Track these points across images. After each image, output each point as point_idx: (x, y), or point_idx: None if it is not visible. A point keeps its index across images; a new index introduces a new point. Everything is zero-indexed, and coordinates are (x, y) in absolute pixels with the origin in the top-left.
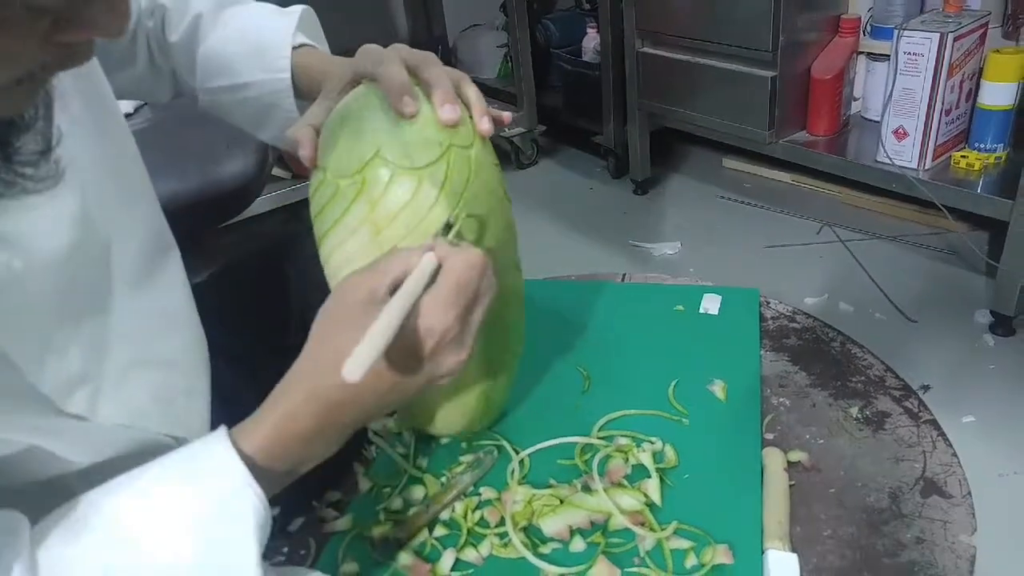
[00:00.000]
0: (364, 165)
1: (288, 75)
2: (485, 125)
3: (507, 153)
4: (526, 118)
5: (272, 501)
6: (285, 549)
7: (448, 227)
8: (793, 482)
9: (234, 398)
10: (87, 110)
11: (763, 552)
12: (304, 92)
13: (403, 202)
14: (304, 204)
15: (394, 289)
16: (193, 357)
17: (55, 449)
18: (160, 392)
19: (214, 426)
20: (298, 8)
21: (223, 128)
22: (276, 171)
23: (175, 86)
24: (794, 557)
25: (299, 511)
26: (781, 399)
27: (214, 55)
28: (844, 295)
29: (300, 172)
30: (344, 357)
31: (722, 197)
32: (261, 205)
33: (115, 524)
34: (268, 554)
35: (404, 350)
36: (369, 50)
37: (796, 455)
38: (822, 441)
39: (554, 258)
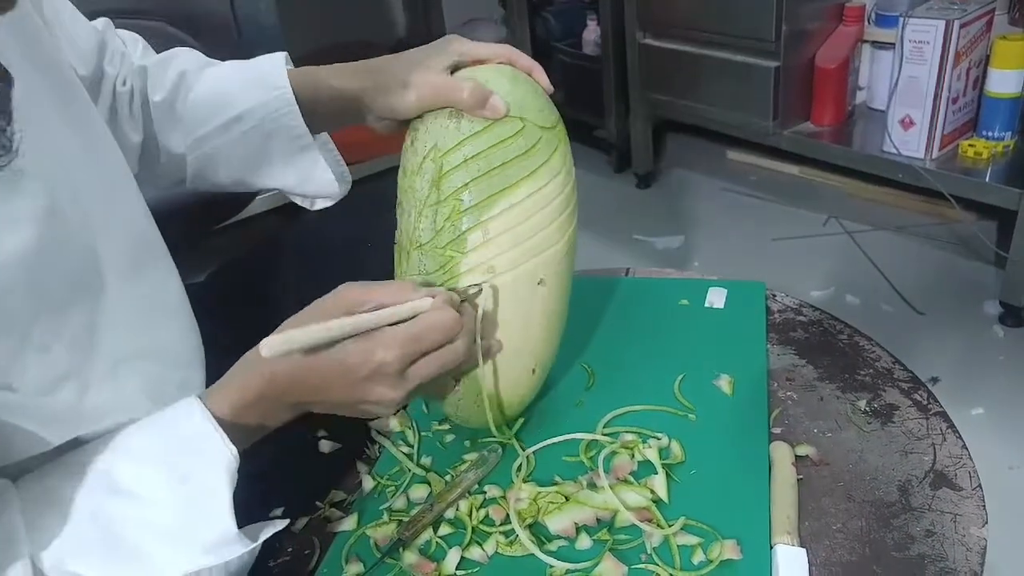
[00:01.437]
0: (554, 122)
1: (288, 89)
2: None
3: None
4: None
5: (277, 502)
6: (290, 549)
7: (471, 294)
8: (801, 476)
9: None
10: (53, 105)
11: (771, 547)
12: (308, 106)
13: (569, 165)
14: (358, 183)
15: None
16: (186, 348)
17: (40, 432)
18: (152, 385)
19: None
20: (280, 54)
21: None
22: None
23: (139, 161)
24: (803, 552)
25: (304, 511)
26: (788, 393)
27: (205, 97)
28: (851, 287)
29: None
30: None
31: (726, 190)
32: (259, 205)
33: (99, 472)
34: (273, 553)
35: (339, 359)
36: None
37: (804, 449)
38: (830, 435)
39: None
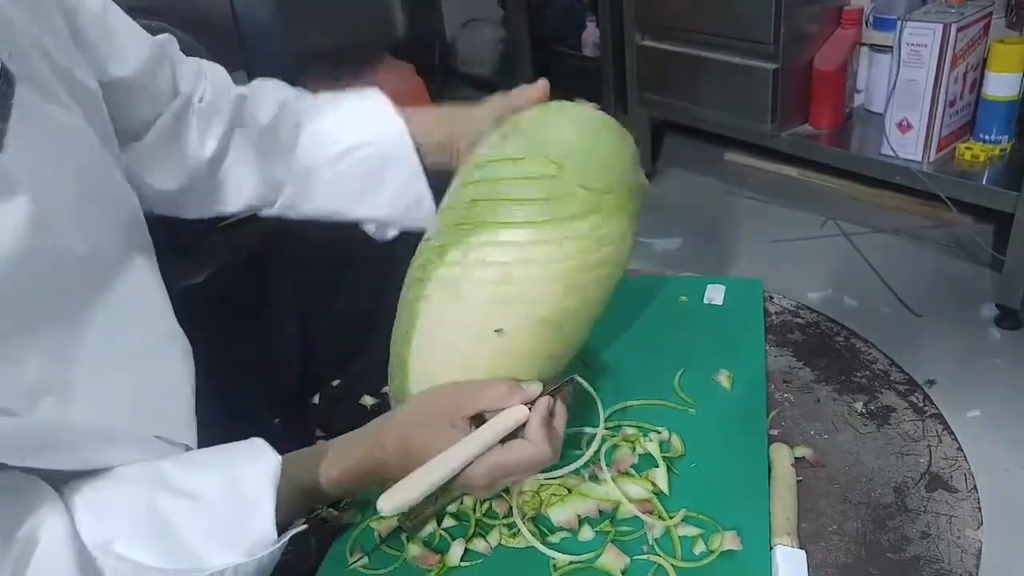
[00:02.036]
0: (609, 187)
1: (403, 123)
2: None
3: None
4: None
5: None
6: (289, 548)
7: (561, 385)
8: (800, 478)
9: (229, 398)
10: (38, 116)
11: (771, 548)
12: (422, 144)
13: (606, 239)
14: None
15: (475, 416)
16: (169, 353)
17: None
18: (137, 391)
19: (202, 424)
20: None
21: None
22: None
23: (193, 176)
24: (802, 554)
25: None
26: (786, 395)
27: (315, 126)
28: (848, 289)
29: None
30: (406, 463)
31: (724, 191)
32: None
33: (156, 472)
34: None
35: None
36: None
37: (801, 451)
38: (827, 436)
39: None
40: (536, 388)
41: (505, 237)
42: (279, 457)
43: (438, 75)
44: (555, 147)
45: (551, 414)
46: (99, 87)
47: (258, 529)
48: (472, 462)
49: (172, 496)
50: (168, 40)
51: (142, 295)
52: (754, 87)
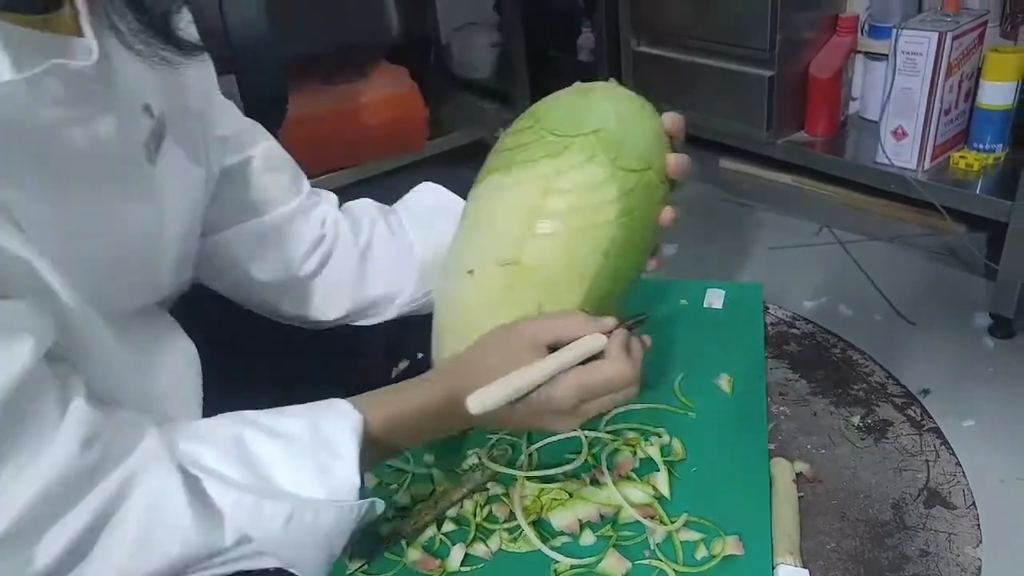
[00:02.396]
0: (577, 135)
1: None
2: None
3: None
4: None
5: None
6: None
7: (636, 322)
8: (802, 495)
9: (243, 383)
10: (177, 162)
11: (774, 567)
12: None
13: (586, 186)
14: (351, 187)
15: (552, 346)
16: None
17: None
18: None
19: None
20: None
21: None
22: None
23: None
24: (806, 573)
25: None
26: (782, 408)
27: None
28: (843, 298)
29: None
30: (486, 379)
31: (719, 198)
32: None
33: (239, 417)
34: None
35: (524, 402)
36: None
37: (798, 466)
38: (824, 451)
39: None
40: (611, 321)
41: (507, 179)
42: (361, 415)
43: (432, 79)
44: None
45: (627, 346)
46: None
47: (341, 473)
48: (555, 379)
49: (258, 432)
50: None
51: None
52: (750, 94)
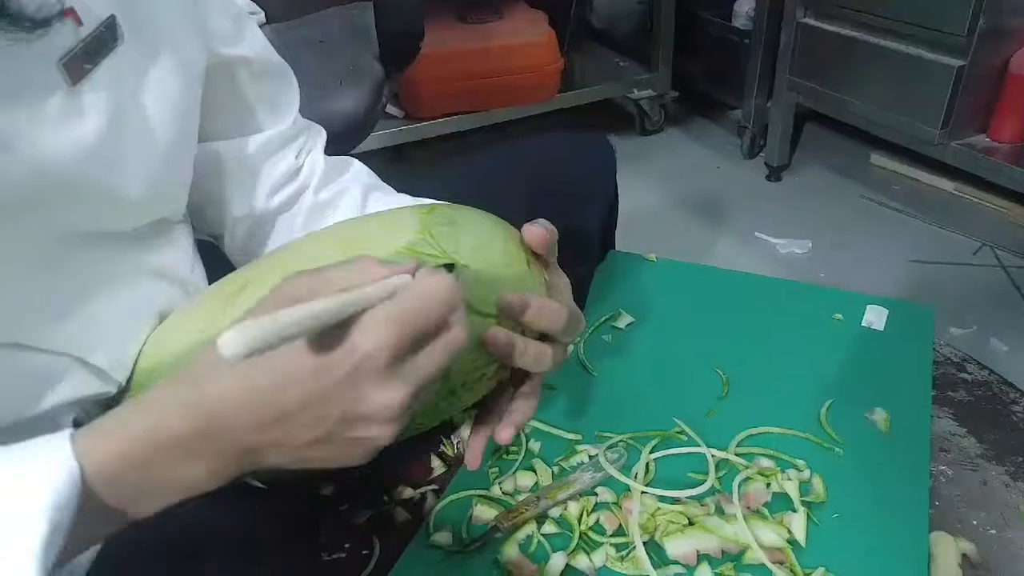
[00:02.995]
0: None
1: None
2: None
3: (631, 117)
4: (659, 81)
5: (340, 492)
6: (347, 545)
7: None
8: None
9: None
10: (136, 71)
11: None
12: None
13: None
14: (413, 146)
15: None
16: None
17: None
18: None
19: None
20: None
21: (341, 60)
22: (389, 109)
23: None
24: None
25: (368, 504)
26: (943, 468)
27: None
28: (998, 330)
29: (414, 114)
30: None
31: (865, 197)
32: (367, 143)
33: None
34: (328, 547)
35: (308, 358)
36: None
37: (962, 545)
38: (994, 531)
39: (666, 238)
40: (412, 262)
41: None
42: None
43: (571, 28)
44: None
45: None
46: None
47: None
48: (357, 322)
49: None
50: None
51: (172, 258)
52: (930, 85)
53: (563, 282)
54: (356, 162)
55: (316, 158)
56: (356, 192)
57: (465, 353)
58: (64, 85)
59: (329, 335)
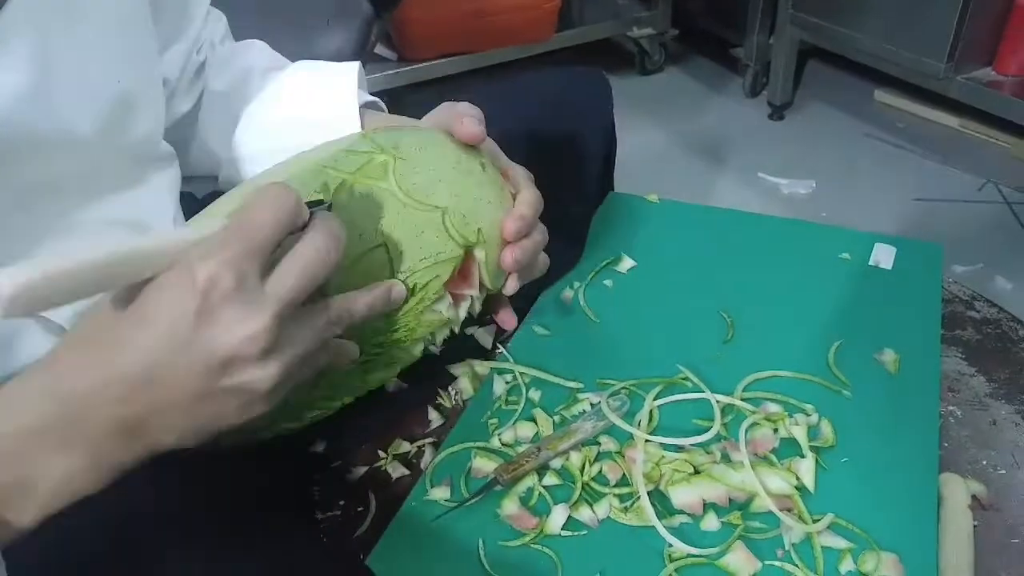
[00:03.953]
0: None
1: (358, 127)
2: (511, 284)
3: (631, 56)
4: (659, 18)
5: (332, 448)
6: (341, 503)
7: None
8: (977, 523)
9: None
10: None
11: None
12: None
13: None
14: (407, 89)
15: None
16: None
17: None
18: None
19: None
20: (352, 66)
21: None
22: (379, 50)
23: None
24: None
25: (361, 460)
26: (951, 408)
27: (265, 108)
28: (1003, 267)
29: (408, 55)
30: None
31: (869, 135)
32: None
33: None
34: (322, 504)
35: (161, 307)
36: (451, 105)
37: (972, 486)
38: (1004, 472)
39: (667, 179)
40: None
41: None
42: None
43: None
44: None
45: None
46: None
47: None
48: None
49: None
50: None
51: (150, 205)
52: (934, 16)
53: (521, 172)
54: (256, 44)
55: (212, 45)
56: (254, 76)
57: (410, 244)
58: None
59: (163, 276)
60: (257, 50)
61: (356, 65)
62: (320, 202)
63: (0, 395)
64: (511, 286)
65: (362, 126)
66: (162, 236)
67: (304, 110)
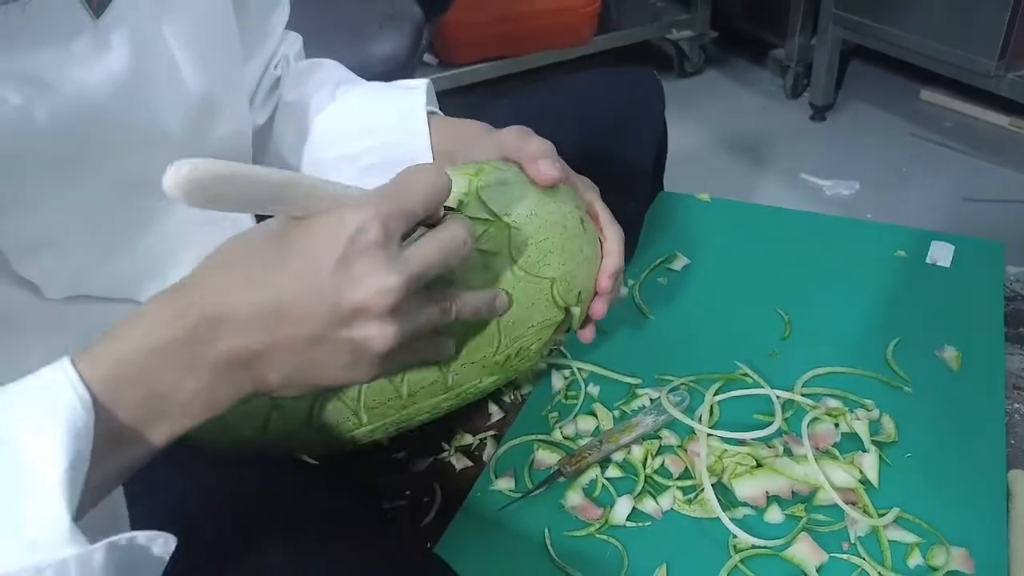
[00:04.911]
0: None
1: (427, 139)
2: (599, 308)
3: (670, 59)
4: (697, 20)
5: (398, 441)
6: (407, 492)
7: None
8: None
9: None
10: None
11: None
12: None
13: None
14: (447, 93)
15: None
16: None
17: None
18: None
19: None
20: (421, 82)
21: (380, 3)
22: (425, 57)
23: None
24: None
25: (426, 451)
26: (1017, 406)
27: (336, 119)
28: None
29: (447, 59)
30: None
31: (915, 135)
32: None
33: None
34: (389, 494)
35: (306, 242)
36: (521, 130)
37: None
38: None
39: (709, 181)
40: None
41: None
42: (79, 391)
43: None
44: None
45: None
46: None
47: (40, 510)
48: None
49: None
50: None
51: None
52: (984, 13)
53: (602, 209)
54: (329, 62)
55: (288, 60)
56: (326, 89)
57: (521, 315)
58: (89, 21)
59: (314, 217)
60: (331, 66)
61: (425, 82)
62: (453, 209)
63: (140, 313)
64: (598, 313)
65: (430, 133)
66: (329, 182)
67: (374, 120)
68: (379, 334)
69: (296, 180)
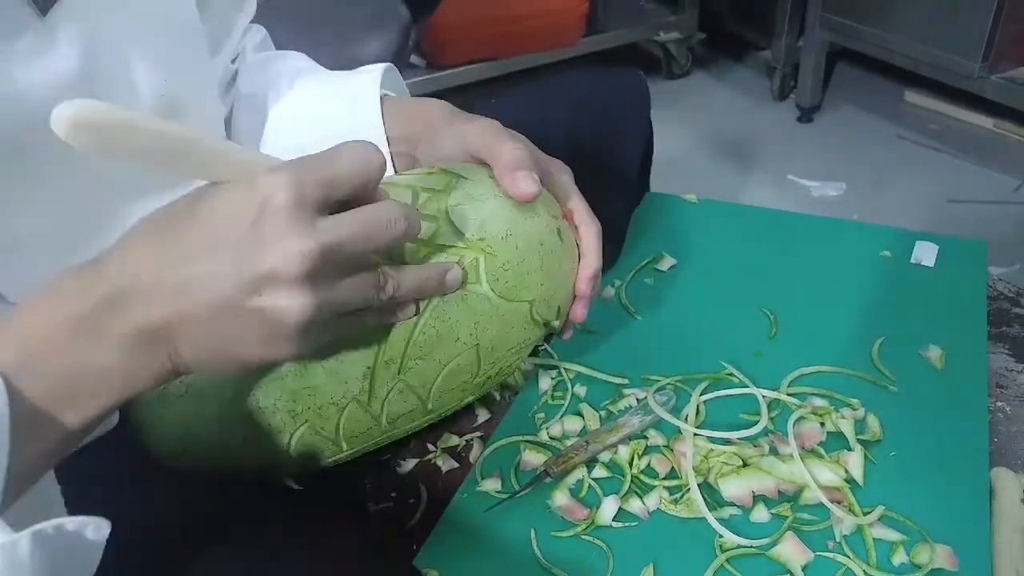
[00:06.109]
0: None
1: (382, 129)
2: (579, 312)
3: (657, 61)
4: (685, 22)
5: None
6: (393, 494)
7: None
8: None
9: None
10: None
11: None
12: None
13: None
14: (436, 95)
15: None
16: None
17: None
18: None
19: None
20: (380, 66)
21: (367, 5)
22: (413, 59)
23: None
24: None
25: (412, 453)
26: (1000, 404)
27: (291, 109)
28: None
29: (436, 61)
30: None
31: (900, 137)
32: None
33: None
34: (375, 495)
35: (215, 201)
36: (490, 127)
37: (1022, 480)
38: None
39: (696, 182)
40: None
41: None
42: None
43: None
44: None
45: None
46: None
47: None
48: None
49: None
50: None
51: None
52: (968, 16)
53: (579, 203)
54: (293, 53)
55: (244, 52)
56: (284, 79)
57: (500, 339)
58: (35, 19)
59: (226, 185)
60: (293, 57)
61: (383, 65)
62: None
63: (48, 289)
64: (579, 317)
65: (383, 116)
66: (244, 148)
67: (327, 108)
68: (292, 304)
69: (202, 140)
